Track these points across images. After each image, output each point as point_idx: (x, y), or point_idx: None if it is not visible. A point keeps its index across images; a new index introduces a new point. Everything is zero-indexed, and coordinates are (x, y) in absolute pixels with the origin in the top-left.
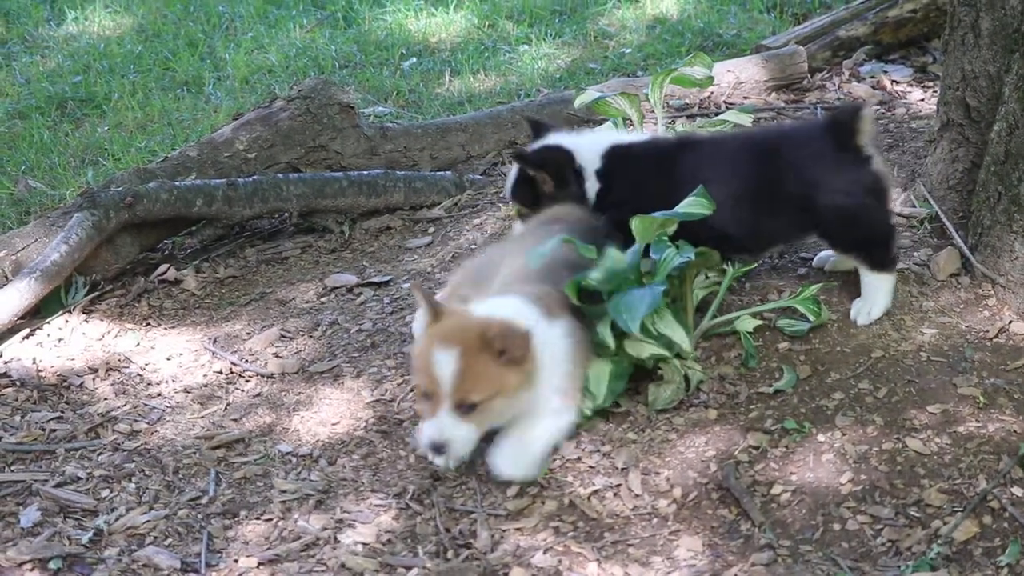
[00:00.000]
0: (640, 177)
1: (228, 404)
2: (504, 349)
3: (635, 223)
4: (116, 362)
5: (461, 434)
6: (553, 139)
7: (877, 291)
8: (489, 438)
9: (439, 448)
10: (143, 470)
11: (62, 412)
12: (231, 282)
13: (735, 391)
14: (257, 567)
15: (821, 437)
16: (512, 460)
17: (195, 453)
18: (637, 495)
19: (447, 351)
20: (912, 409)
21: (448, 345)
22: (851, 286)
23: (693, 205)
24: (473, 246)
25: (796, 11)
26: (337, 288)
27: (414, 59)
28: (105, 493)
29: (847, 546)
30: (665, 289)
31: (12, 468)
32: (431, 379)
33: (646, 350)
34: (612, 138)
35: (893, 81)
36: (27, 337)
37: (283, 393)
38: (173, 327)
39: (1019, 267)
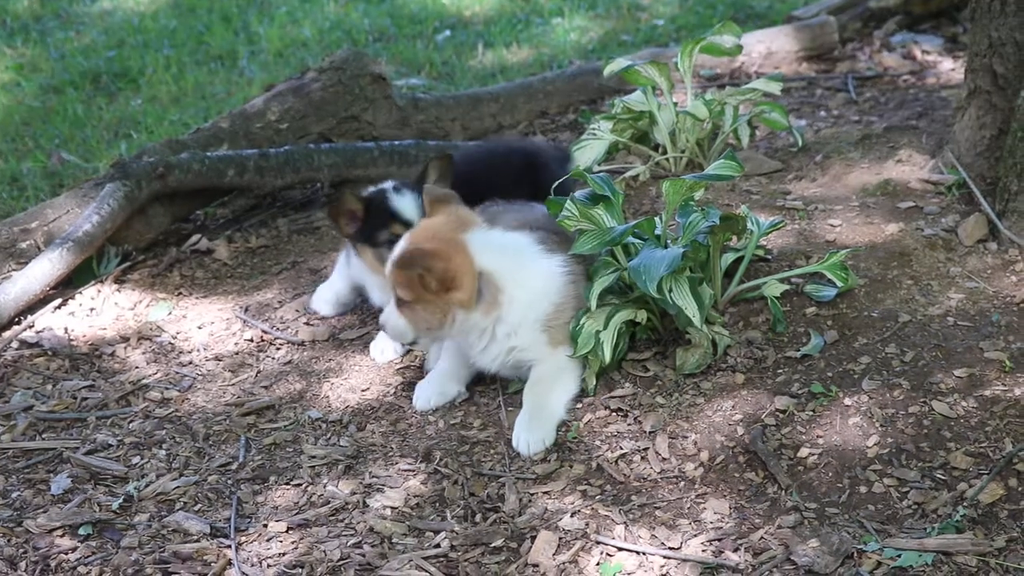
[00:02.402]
0: None
1: (259, 372)
2: (421, 273)
3: (666, 186)
4: (148, 331)
5: (394, 321)
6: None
7: None
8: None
9: (382, 327)
10: (174, 437)
11: (93, 380)
12: (263, 252)
13: (762, 355)
14: (286, 531)
15: (848, 401)
16: (526, 439)
17: (225, 420)
18: (664, 459)
19: (394, 258)
20: (938, 373)
21: (397, 254)
22: (880, 252)
23: (722, 168)
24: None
25: None
26: None
27: (448, 32)
28: (136, 460)
29: (873, 509)
30: (686, 252)
31: (43, 436)
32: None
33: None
34: None
35: (923, 51)
36: (59, 307)
37: (313, 360)
38: (205, 296)
39: None
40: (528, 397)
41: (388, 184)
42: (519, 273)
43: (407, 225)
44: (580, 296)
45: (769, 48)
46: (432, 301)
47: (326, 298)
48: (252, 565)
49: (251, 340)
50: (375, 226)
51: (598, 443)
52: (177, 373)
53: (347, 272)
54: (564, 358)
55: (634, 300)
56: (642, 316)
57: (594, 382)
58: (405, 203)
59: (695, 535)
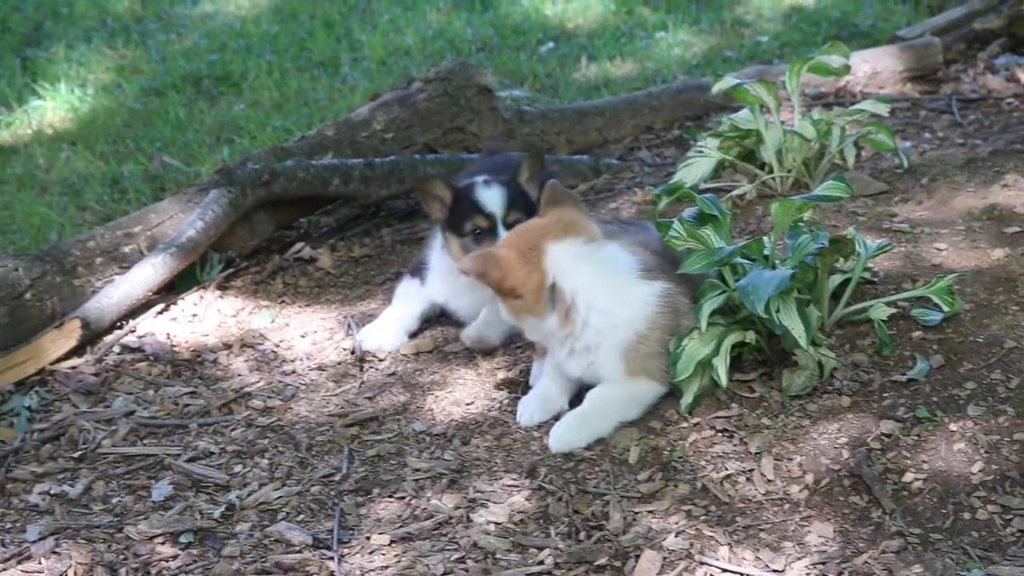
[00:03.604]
0: None
1: (362, 382)
2: (481, 272)
3: (775, 206)
4: (250, 338)
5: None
6: None
7: None
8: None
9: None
10: (276, 446)
11: (195, 387)
12: (366, 261)
13: (868, 379)
14: (389, 544)
15: (953, 426)
16: (563, 433)
17: (329, 430)
18: (769, 480)
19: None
20: None
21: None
22: (985, 277)
23: (831, 188)
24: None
25: (931, 2)
26: None
27: (551, 44)
28: (237, 468)
29: (977, 535)
30: (794, 273)
31: (145, 442)
32: None
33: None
34: None
35: None
36: (161, 312)
37: (417, 373)
38: (308, 305)
39: None
40: (589, 401)
41: (480, 177)
42: (599, 296)
43: (489, 218)
44: (673, 327)
45: (874, 68)
46: (503, 300)
47: (392, 330)
48: None
49: (354, 350)
50: (461, 216)
51: (703, 463)
52: (280, 382)
53: (421, 293)
54: (637, 388)
55: (740, 321)
56: (750, 337)
57: (690, 400)
58: (490, 196)
59: (799, 558)
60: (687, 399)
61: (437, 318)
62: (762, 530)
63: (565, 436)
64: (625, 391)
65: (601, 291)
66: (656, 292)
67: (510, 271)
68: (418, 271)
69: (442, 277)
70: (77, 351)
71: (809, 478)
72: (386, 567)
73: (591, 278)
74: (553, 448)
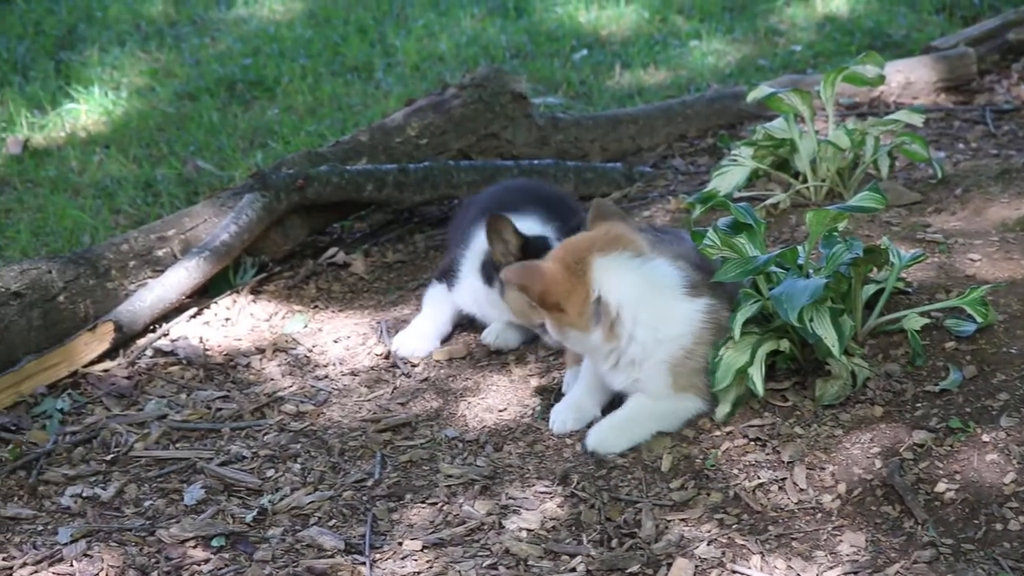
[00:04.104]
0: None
1: (395, 388)
2: (524, 285)
3: (809, 216)
4: (283, 343)
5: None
6: None
7: None
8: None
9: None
10: (309, 451)
11: (228, 391)
12: (399, 267)
13: (901, 389)
14: (421, 550)
15: (986, 437)
16: (604, 437)
17: (361, 436)
18: (802, 489)
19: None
20: None
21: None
22: (1019, 289)
23: (866, 199)
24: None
25: (965, 13)
26: None
27: (585, 51)
28: (270, 473)
29: (1009, 546)
30: (828, 283)
31: (177, 445)
32: None
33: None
34: None
35: None
36: (194, 316)
37: (450, 378)
38: (341, 310)
39: None
40: (631, 407)
41: (552, 233)
42: (645, 310)
43: None
44: (717, 342)
45: (907, 78)
46: (547, 314)
47: (425, 335)
48: None
49: (387, 356)
50: None
51: (736, 471)
52: (312, 387)
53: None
54: (681, 403)
55: (774, 329)
56: (784, 346)
57: (728, 409)
58: None
59: (831, 567)
60: (724, 408)
61: (470, 323)
62: (794, 539)
63: (604, 438)
64: (669, 405)
65: (647, 306)
66: (701, 308)
67: (553, 284)
68: (445, 276)
69: (473, 292)
70: (110, 354)
71: (841, 487)
72: (418, 572)
73: (637, 292)
74: (590, 448)
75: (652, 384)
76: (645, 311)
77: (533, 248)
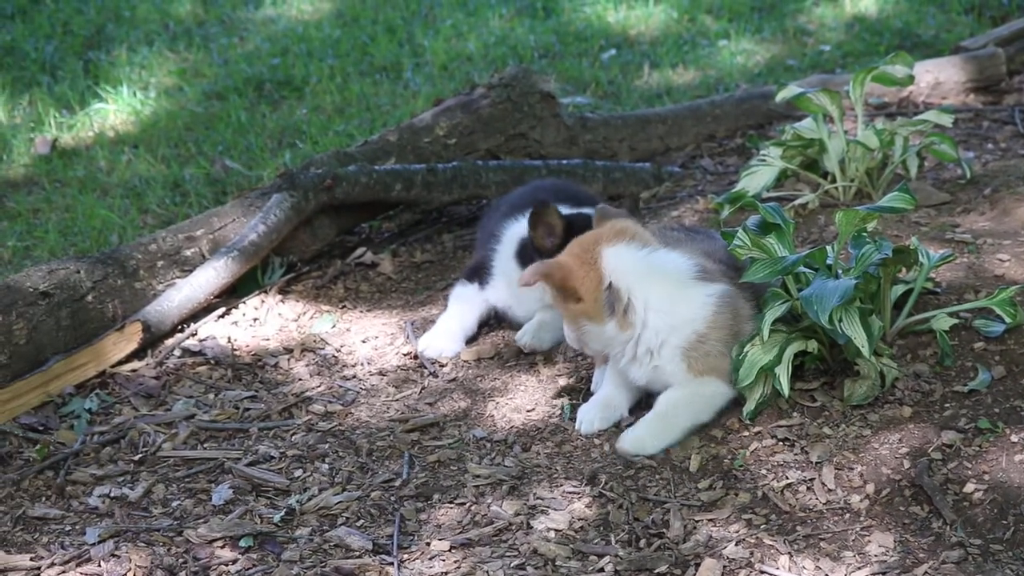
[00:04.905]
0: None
1: (423, 388)
2: (546, 274)
3: (839, 216)
4: (311, 343)
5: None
6: None
7: None
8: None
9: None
10: (337, 451)
11: (256, 391)
12: (427, 267)
13: (930, 389)
14: (449, 550)
15: (1014, 438)
16: (641, 439)
17: (389, 436)
18: (830, 490)
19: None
20: None
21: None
22: None
23: (896, 200)
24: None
25: (995, 13)
26: None
27: (613, 51)
28: (298, 473)
29: None
30: (858, 283)
31: (205, 445)
32: None
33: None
34: None
35: None
36: (223, 316)
37: (478, 379)
38: (369, 310)
39: None
40: (659, 407)
41: (591, 209)
42: (655, 294)
43: None
44: (734, 329)
45: (937, 78)
46: (564, 310)
47: (452, 335)
48: None
49: (415, 356)
50: None
51: (764, 472)
52: (340, 387)
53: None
54: (705, 387)
55: (803, 329)
56: (812, 346)
57: (752, 407)
58: None
59: (859, 568)
60: (749, 406)
61: (498, 324)
62: (822, 539)
63: (638, 440)
64: (693, 391)
65: (657, 290)
66: (714, 293)
67: (570, 272)
68: (475, 275)
69: (509, 282)
70: (138, 354)
71: (870, 488)
72: (446, 573)
73: (646, 277)
74: (629, 452)
75: (670, 371)
76: (655, 295)
77: (576, 227)
